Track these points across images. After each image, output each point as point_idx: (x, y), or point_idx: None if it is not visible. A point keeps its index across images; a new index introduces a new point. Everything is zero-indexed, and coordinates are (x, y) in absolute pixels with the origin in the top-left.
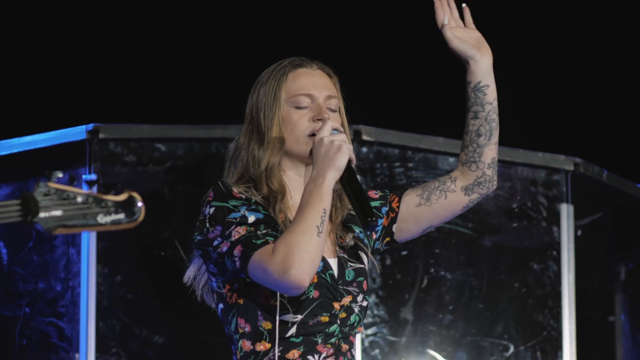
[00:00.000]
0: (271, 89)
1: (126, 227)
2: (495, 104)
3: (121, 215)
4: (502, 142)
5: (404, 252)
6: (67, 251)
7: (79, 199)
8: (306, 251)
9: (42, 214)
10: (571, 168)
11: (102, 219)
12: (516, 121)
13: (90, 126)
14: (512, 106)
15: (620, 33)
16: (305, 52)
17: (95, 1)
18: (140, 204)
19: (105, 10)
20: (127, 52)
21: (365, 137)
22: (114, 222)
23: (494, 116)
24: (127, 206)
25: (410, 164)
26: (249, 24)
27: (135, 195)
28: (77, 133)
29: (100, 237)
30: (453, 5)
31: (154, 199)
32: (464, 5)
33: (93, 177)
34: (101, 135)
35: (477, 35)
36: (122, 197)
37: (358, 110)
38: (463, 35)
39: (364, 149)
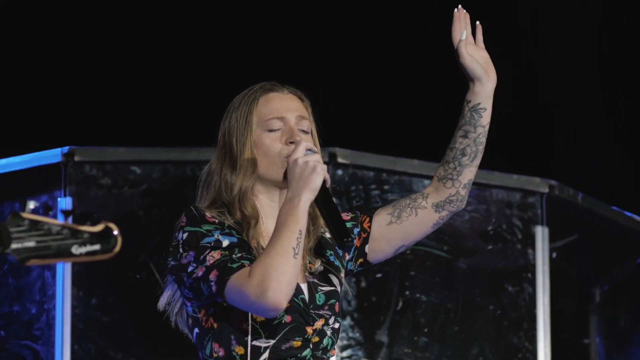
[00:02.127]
0: (243, 113)
1: (102, 258)
2: (487, 128)
3: (97, 246)
4: None
5: (379, 275)
6: (42, 274)
7: (53, 230)
8: (283, 273)
9: (14, 245)
10: (546, 190)
11: (76, 250)
12: (491, 143)
13: (66, 149)
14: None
15: (591, 59)
16: (281, 75)
17: (68, 23)
18: (116, 234)
19: (79, 32)
20: (102, 74)
21: (340, 160)
22: (89, 253)
23: (483, 140)
24: (103, 237)
25: (385, 187)
26: (224, 47)
27: (112, 225)
28: (52, 156)
29: None
30: (469, 21)
31: (129, 221)
32: (477, 22)
33: (69, 202)
34: (76, 158)
35: (486, 55)
36: (98, 227)
37: (333, 132)
38: (474, 54)
39: (339, 172)
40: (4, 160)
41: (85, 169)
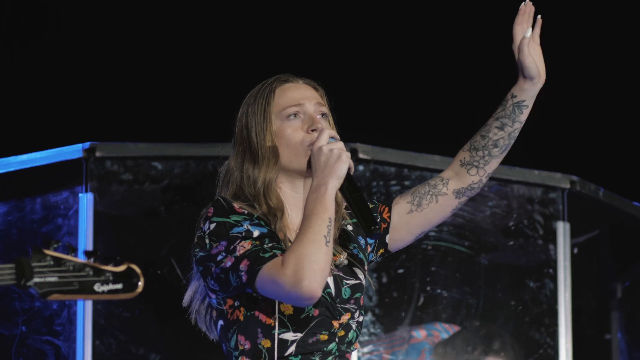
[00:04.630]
0: (260, 106)
1: (124, 297)
2: (522, 125)
3: (119, 286)
4: None
5: (401, 270)
6: None
7: (76, 267)
8: (316, 261)
9: (36, 279)
10: (567, 186)
11: (99, 287)
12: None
13: (87, 144)
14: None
15: (614, 52)
16: (302, 71)
17: (90, 20)
18: (140, 277)
19: (101, 29)
20: (123, 70)
21: (361, 156)
22: (111, 292)
23: (517, 134)
24: (126, 277)
25: (406, 182)
26: (245, 43)
27: (135, 267)
28: (73, 151)
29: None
30: (538, 23)
31: (151, 217)
32: (539, 16)
33: (90, 198)
34: (98, 154)
35: (540, 52)
36: (121, 268)
37: (355, 128)
38: (534, 53)
39: (361, 167)
40: (26, 156)
41: (107, 165)
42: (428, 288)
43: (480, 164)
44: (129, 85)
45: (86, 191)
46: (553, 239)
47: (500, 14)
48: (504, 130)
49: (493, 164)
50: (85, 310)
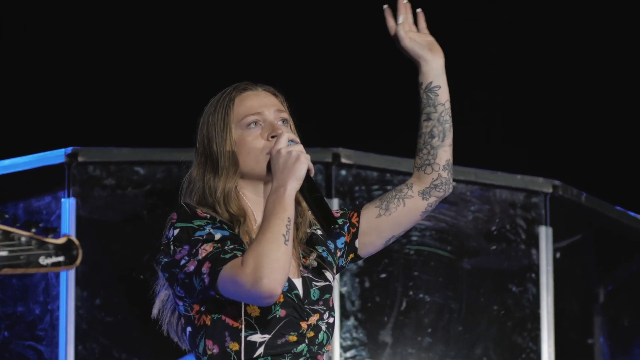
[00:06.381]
0: (220, 116)
1: (65, 269)
2: (448, 105)
3: (61, 258)
4: (481, 165)
5: (383, 275)
6: (46, 274)
7: (23, 241)
8: (276, 260)
9: None
10: (550, 190)
11: (43, 260)
12: (495, 144)
13: (69, 149)
14: (492, 129)
15: (597, 58)
16: (284, 76)
17: (72, 24)
18: (78, 248)
19: (83, 33)
20: (105, 75)
21: (344, 160)
22: (54, 264)
23: (447, 117)
24: (66, 249)
25: (389, 187)
26: (227, 48)
27: (73, 239)
28: (56, 156)
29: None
30: (409, 10)
31: (133, 222)
32: (418, 10)
33: (72, 203)
34: (80, 159)
35: (430, 39)
36: (62, 240)
37: (337, 133)
38: (415, 37)
39: (343, 172)
40: (8, 161)
41: (89, 170)
42: (411, 293)
43: (430, 160)
44: (111, 90)
45: (69, 196)
46: (535, 244)
47: (490, 16)
48: (432, 119)
49: (441, 154)
50: (67, 315)
